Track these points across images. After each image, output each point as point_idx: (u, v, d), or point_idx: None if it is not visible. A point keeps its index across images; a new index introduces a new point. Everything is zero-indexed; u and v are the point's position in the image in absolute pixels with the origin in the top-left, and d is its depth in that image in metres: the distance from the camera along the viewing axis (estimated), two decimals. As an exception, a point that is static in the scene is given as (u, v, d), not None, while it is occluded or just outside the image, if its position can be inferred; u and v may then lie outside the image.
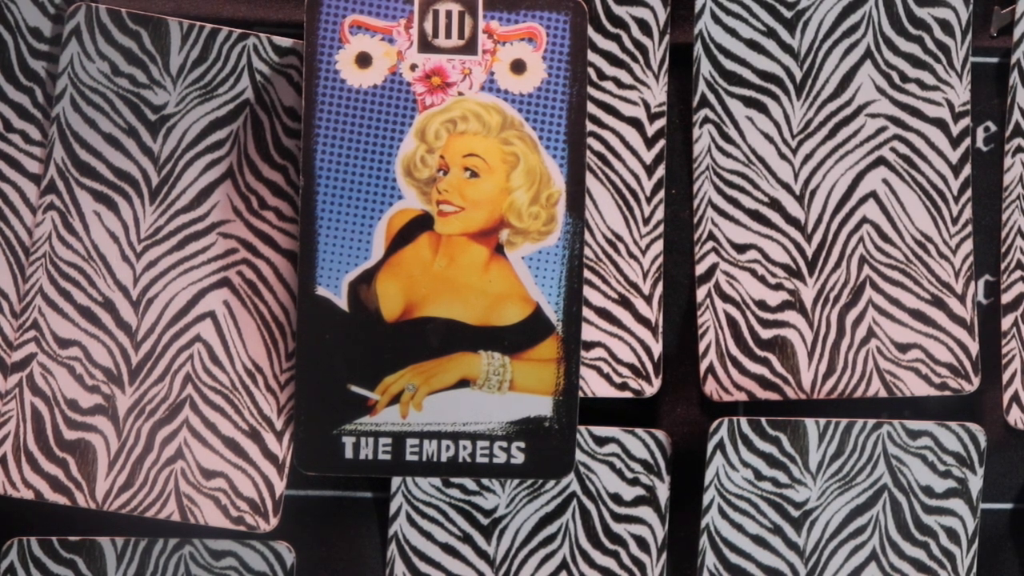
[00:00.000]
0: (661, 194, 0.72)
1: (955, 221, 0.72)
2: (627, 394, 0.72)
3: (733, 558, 0.71)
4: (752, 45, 0.72)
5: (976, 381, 0.72)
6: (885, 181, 0.72)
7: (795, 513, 0.71)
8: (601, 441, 0.71)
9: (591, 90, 0.72)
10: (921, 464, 0.71)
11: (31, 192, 0.71)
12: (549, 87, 0.69)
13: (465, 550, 0.71)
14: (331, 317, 0.68)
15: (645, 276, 0.72)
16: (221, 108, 0.71)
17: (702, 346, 0.72)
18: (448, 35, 0.69)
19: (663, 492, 0.72)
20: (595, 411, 0.72)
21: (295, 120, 0.71)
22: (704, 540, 0.71)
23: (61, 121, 0.70)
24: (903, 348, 0.72)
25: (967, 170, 0.73)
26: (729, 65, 0.72)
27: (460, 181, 0.69)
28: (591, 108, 0.72)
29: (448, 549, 0.71)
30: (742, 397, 0.72)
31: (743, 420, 0.70)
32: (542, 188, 0.69)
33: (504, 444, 0.69)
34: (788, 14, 0.72)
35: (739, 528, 0.71)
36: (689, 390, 0.73)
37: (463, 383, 0.69)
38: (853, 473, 0.71)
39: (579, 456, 0.71)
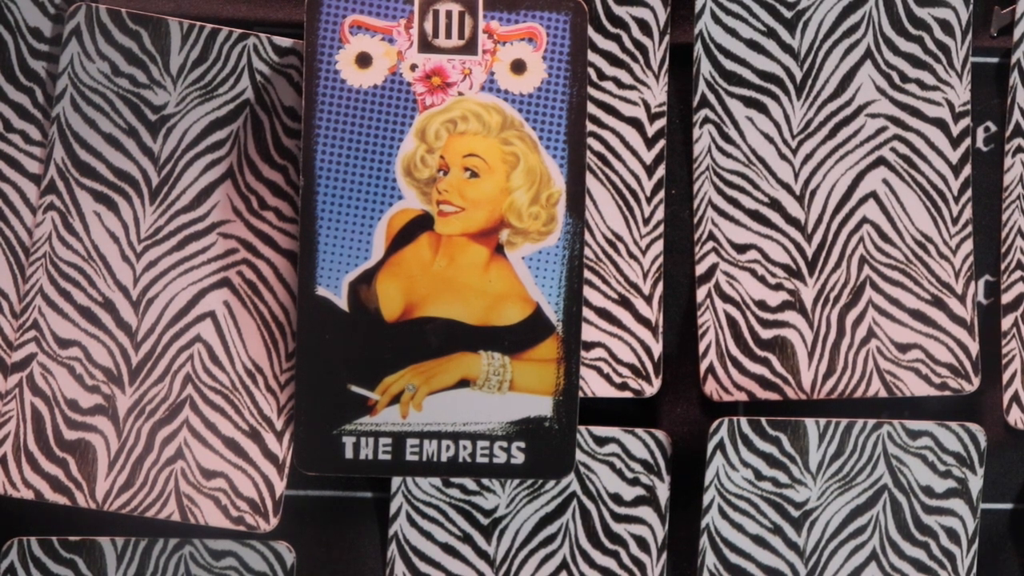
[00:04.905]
0: (661, 194, 0.72)
1: (955, 221, 0.72)
2: (627, 394, 0.72)
3: (733, 558, 0.71)
4: (752, 45, 0.72)
5: (976, 381, 0.72)
6: (885, 181, 0.72)
7: (795, 513, 0.71)
8: (601, 441, 0.71)
9: (591, 90, 0.72)
10: (921, 464, 0.71)
11: (31, 192, 0.71)
12: (549, 87, 0.69)
13: (465, 550, 0.71)
14: (331, 317, 0.68)
15: (645, 276, 0.72)
16: (221, 108, 0.71)
17: (702, 346, 0.72)
18: (448, 35, 0.69)
19: (663, 492, 0.72)
20: (595, 411, 0.72)
21: (295, 120, 0.71)
22: (704, 540, 0.71)
23: (61, 121, 0.70)
24: (903, 348, 0.72)
25: (967, 170, 0.73)
26: (729, 65, 0.72)
27: (460, 181, 0.69)
28: (591, 108, 0.72)
29: (448, 549, 0.71)
30: (742, 397, 0.72)
31: (743, 420, 0.70)
32: (542, 188, 0.69)
33: (504, 444, 0.69)
34: (788, 14, 0.72)
35: (739, 528, 0.71)
36: (689, 390, 0.73)
37: (463, 383, 0.69)
38: (853, 473, 0.71)
39: (579, 456, 0.71)
